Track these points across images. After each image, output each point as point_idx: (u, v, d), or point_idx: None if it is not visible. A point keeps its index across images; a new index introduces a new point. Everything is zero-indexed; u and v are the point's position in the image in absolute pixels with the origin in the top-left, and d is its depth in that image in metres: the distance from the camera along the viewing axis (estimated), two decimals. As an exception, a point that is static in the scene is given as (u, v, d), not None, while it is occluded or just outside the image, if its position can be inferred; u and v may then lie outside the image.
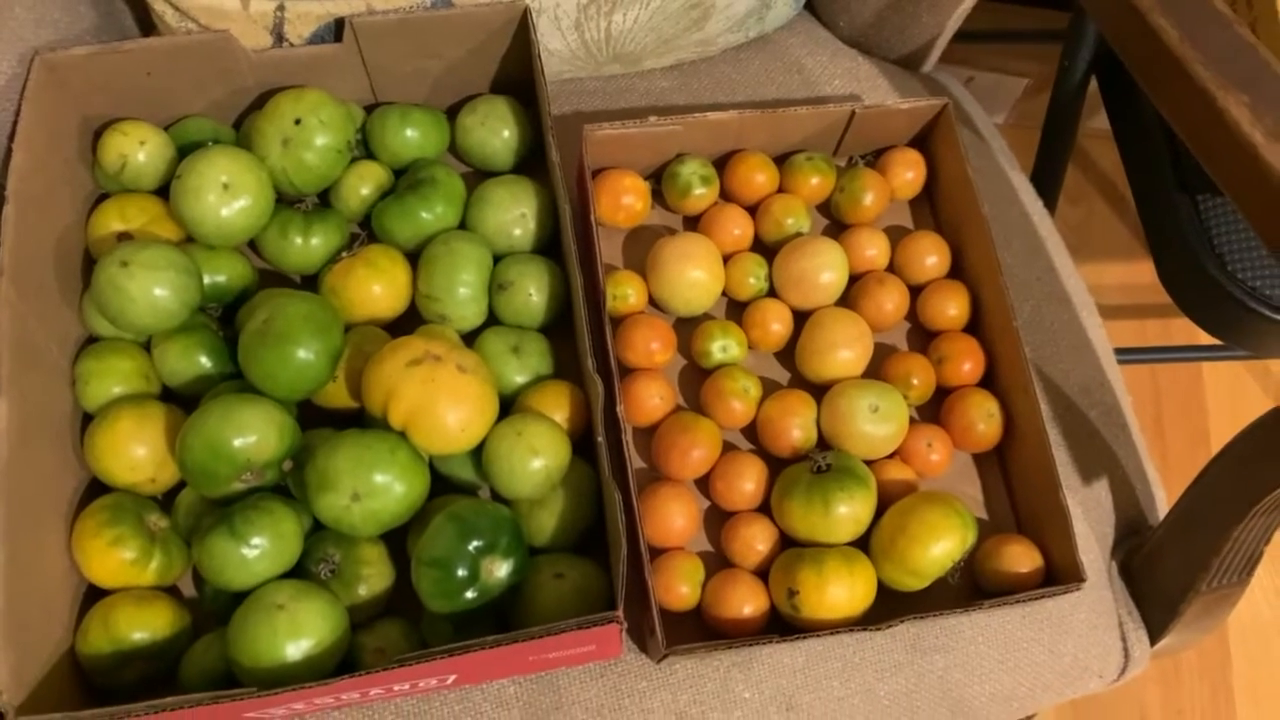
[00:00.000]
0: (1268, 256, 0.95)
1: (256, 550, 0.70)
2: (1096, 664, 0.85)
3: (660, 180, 0.93)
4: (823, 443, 0.83)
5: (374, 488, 0.70)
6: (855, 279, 0.90)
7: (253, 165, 0.81)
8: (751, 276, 0.88)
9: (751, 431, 0.85)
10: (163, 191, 0.84)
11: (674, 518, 0.79)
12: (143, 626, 0.72)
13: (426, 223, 0.85)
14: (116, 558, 0.72)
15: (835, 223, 0.95)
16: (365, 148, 0.90)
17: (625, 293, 0.86)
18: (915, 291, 0.91)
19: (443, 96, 0.93)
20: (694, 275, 0.85)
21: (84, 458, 0.77)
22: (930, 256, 0.90)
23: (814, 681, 0.79)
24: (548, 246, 0.87)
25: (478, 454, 0.77)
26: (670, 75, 1.01)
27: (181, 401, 0.79)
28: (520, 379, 0.81)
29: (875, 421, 0.80)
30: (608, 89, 1.00)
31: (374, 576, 0.74)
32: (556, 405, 0.79)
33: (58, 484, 0.75)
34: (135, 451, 0.75)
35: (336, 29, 0.85)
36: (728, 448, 0.84)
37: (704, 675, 0.78)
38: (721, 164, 0.93)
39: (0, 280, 0.72)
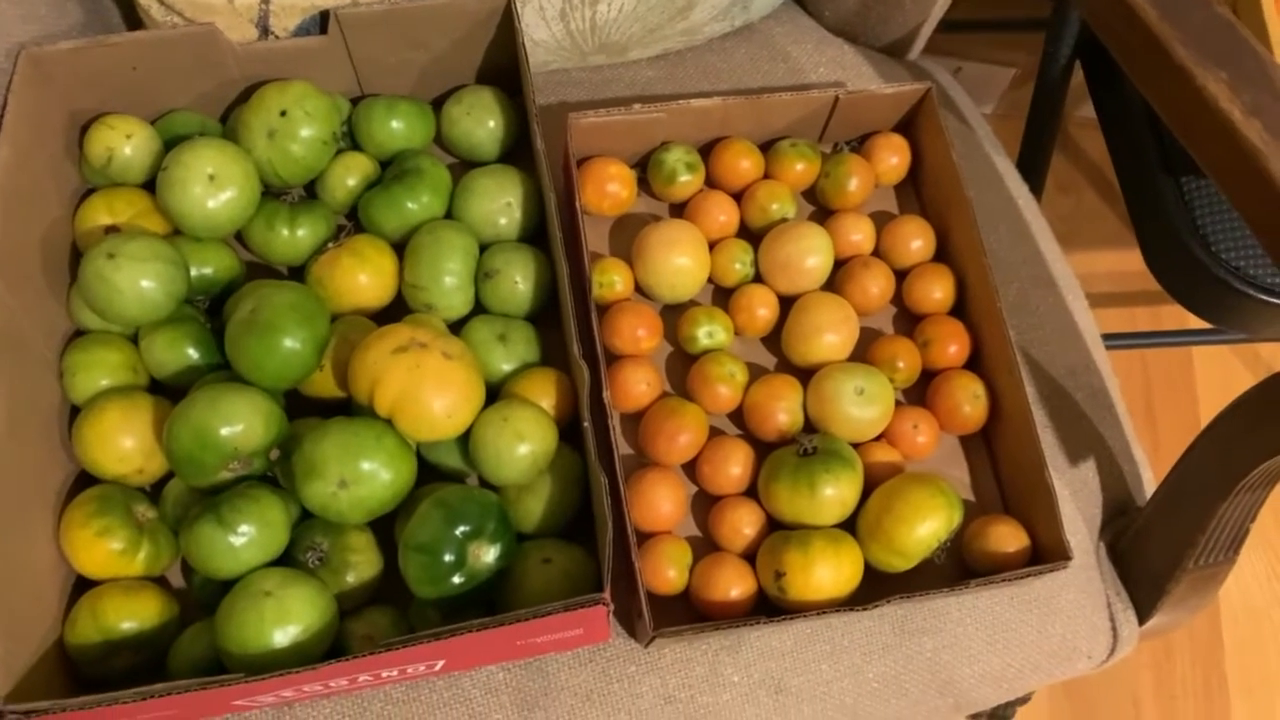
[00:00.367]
0: (1251, 237, 0.95)
1: (244, 538, 0.70)
2: (1085, 644, 0.85)
3: (646, 168, 0.93)
4: (809, 426, 0.84)
5: (361, 475, 0.71)
6: (841, 264, 0.90)
7: (238, 157, 0.81)
8: (737, 262, 0.88)
9: (738, 416, 0.86)
10: (150, 185, 0.85)
11: (661, 502, 0.79)
12: (131, 616, 0.72)
13: (412, 213, 0.85)
14: (104, 548, 0.73)
15: (820, 208, 0.95)
16: (351, 139, 0.91)
17: (611, 280, 0.86)
18: (900, 275, 0.91)
19: (428, 87, 0.94)
20: (680, 262, 0.85)
21: (72, 450, 0.77)
22: (915, 240, 0.90)
23: (803, 664, 0.79)
24: (533, 235, 0.88)
25: (465, 442, 0.77)
26: (656, 65, 1.01)
27: (169, 393, 0.79)
28: (507, 367, 0.82)
29: (861, 404, 0.81)
30: (593, 79, 1.00)
31: (362, 564, 0.75)
32: (543, 392, 0.79)
33: (45, 476, 0.76)
34: (123, 443, 0.75)
35: (322, 21, 0.85)
36: (714, 432, 0.84)
37: (693, 659, 0.78)
38: (706, 151, 0.93)
39: (-13, 274, 0.72)
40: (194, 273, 0.82)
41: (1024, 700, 1.13)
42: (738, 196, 0.92)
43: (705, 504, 0.83)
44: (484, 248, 0.86)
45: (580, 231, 0.83)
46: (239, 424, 0.71)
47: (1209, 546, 0.76)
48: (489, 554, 0.71)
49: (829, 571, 0.74)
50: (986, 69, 1.57)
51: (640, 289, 0.89)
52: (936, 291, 0.88)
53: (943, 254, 0.92)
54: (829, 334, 0.84)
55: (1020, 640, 0.83)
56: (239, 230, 0.85)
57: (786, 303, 0.88)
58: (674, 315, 0.88)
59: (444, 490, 0.72)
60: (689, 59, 1.02)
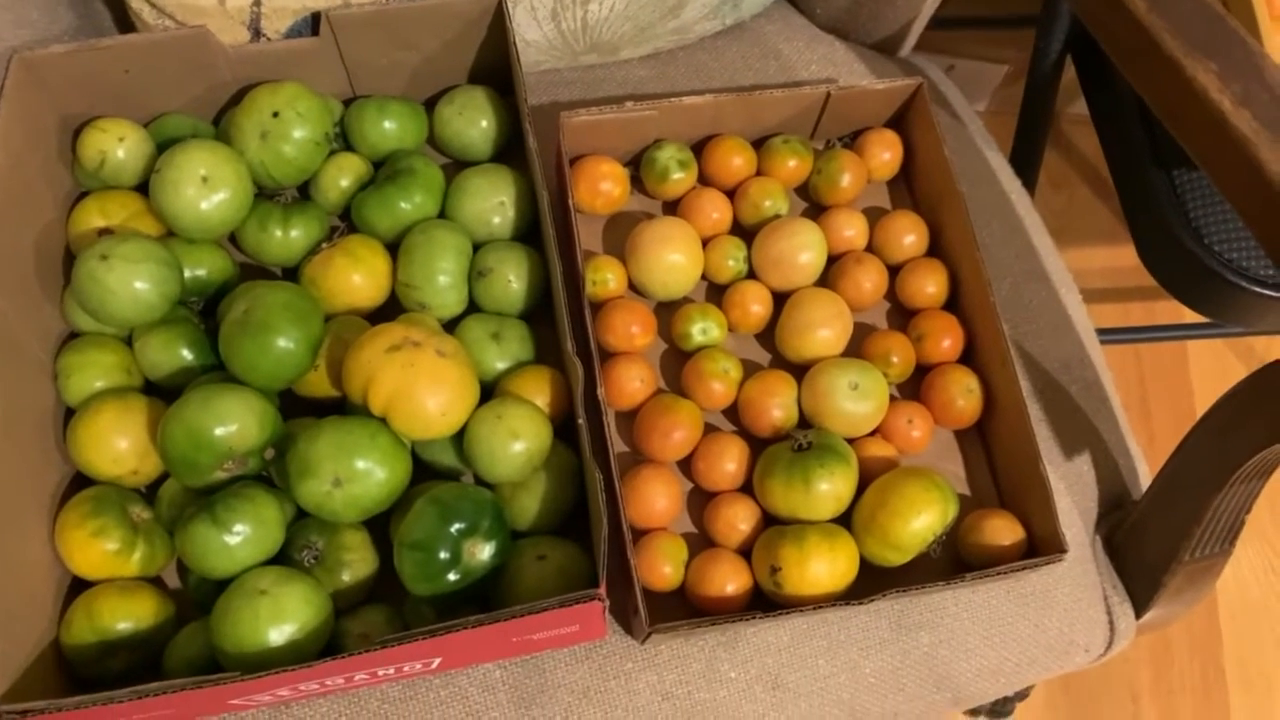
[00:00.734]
0: (1244, 229, 0.96)
1: (239, 537, 0.70)
2: (1082, 638, 0.85)
3: (638, 166, 0.93)
4: (804, 422, 0.84)
5: (355, 473, 0.71)
6: (834, 259, 0.90)
7: (231, 158, 0.81)
8: (730, 259, 0.88)
9: (732, 412, 0.86)
10: (143, 188, 0.85)
11: (656, 499, 0.79)
12: (127, 616, 0.72)
13: (405, 213, 0.85)
14: (99, 549, 0.73)
15: (813, 204, 0.95)
16: (344, 140, 0.91)
17: (605, 278, 0.86)
18: (894, 271, 0.91)
19: (420, 88, 0.94)
20: (673, 259, 0.86)
21: (66, 452, 0.77)
22: (908, 236, 0.90)
23: (799, 660, 0.79)
24: (527, 234, 0.88)
25: (460, 440, 0.77)
26: (647, 64, 1.02)
27: (163, 394, 0.79)
28: (501, 365, 0.82)
29: (855, 399, 0.81)
30: (585, 79, 1.00)
31: (357, 562, 0.75)
32: (537, 390, 0.79)
33: (40, 478, 0.76)
34: (117, 444, 0.75)
35: (313, 23, 0.85)
36: (709, 429, 0.84)
37: (689, 655, 0.78)
38: (699, 149, 0.93)
39: (-20, 277, 0.72)
40: (188, 274, 0.82)
41: (1023, 695, 1.14)
42: (730, 193, 0.92)
43: (700, 500, 0.83)
44: (477, 247, 0.86)
45: (573, 230, 0.83)
46: (233, 424, 0.71)
47: (1205, 538, 0.76)
48: (484, 551, 0.71)
49: (824, 566, 0.74)
50: (978, 66, 1.58)
51: (634, 286, 0.89)
52: (930, 286, 0.88)
53: (936, 249, 0.92)
54: (823, 329, 0.84)
55: (1017, 634, 0.83)
56: (232, 231, 0.85)
57: (780, 299, 0.88)
58: (668, 312, 0.88)
59: (439, 488, 0.72)
60: (680, 58, 1.02)
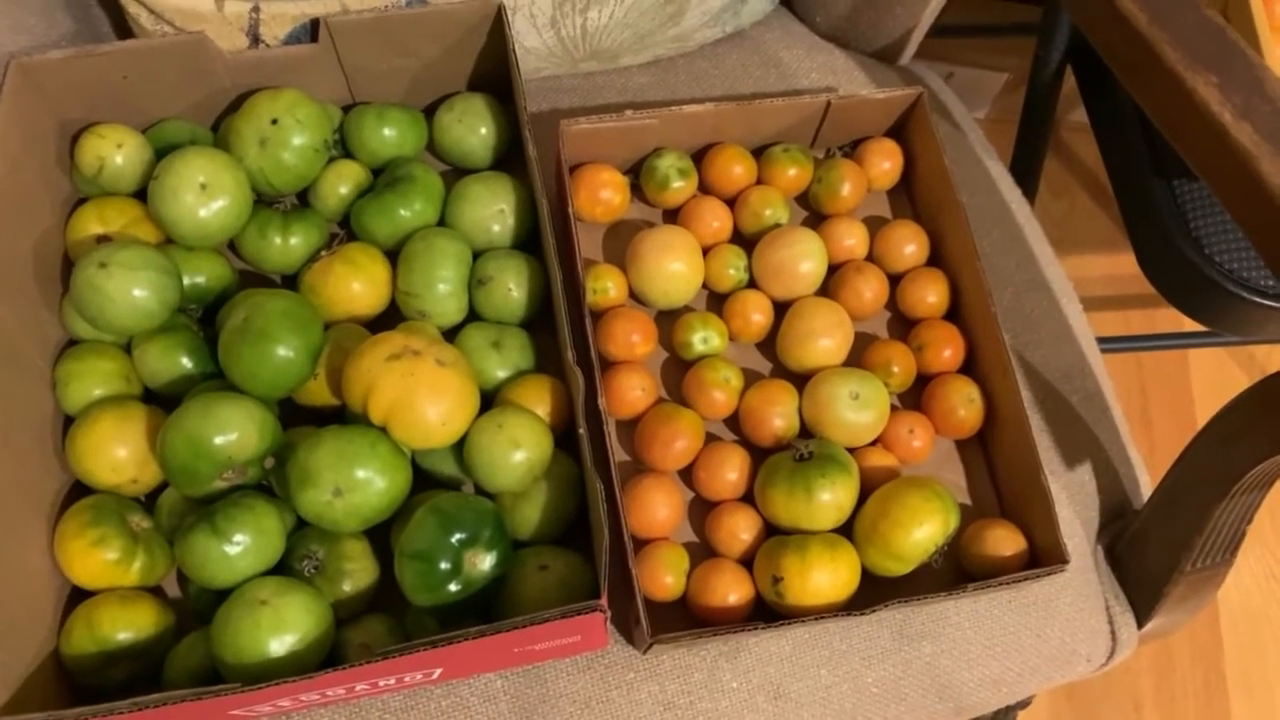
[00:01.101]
0: (1244, 239, 0.96)
1: (239, 547, 0.70)
2: (1084, 648, 0.85)
3: (638, 174, 0.93)
4: (805, 431, 0.83)
5: (355, 483, 0.70)
6: (834, 269, 0.90)
7: (230, 165, 0.81)
8: (731, 268, 0.88)
9: (734, 422, 0.86)
10: (141, 194, 0.84)
11: (657, 508, 0.79)
12: (127, 626, 0.71)
13: (405, 220, 0.85)
14: (99, 558, 0.72)
15: (814, 214, 0.95)
16: (343, 147, 0.91)
17: (605, 286, 0.86)
18: (894, 280, 0.91)
19: (420, 95, 0.93)
20: (674, 268, 0.85)
21: (65, 460, 0.77)
22: (909, 245, 0.90)
23: (801, 670, 0.79)
24: (527, 242, 0.88)
25: (460, 449, 0.77)
26: (647, 72, 1.01)
27: (162, 402, 0.79)
28: (501, 374, 0.81)
29: (856, 409, 0.80)
30: (585, 86, 1.00)
31: (358, 572, 0.74)
32: (538, 399, 0.79)
33: (39, 486, 0.75)
34: (117, 452, 0.75)
35: (312, 29, 0.85)
36: (710, 438, 0.84)
37: (691, 665, 0.78)
38: (699, 157, 0.93)
39: (-22, 284, 0.72)
40: (187, 281, 0.81)
41: (1025, 704, 1.13)
42: (731, 202, 0.92)
43: (702, 510, 0.83)
44: (477, 255, 0.85)
45: (573, 238, 0.83)
46: (233, 433, 0.71)
47: (1206, 549, 0.76)
48: (485, 561, 0.71)
49: (826, 576, 0.74)
50: (978, 74, 1.58)
51: (634, 295, 0.89)
52: (930, 296, 0.88)
53: (936, 258, 0.92)
54: (823, 339, 0.84)
55: (1019, 644, 0.83)
56: (231, 239, 0.85)
57: (781, 308, 0.88)
58: (668, 321, 0.88)
59: (439, 498, 0.72)
60: (680, 65, 1.02)
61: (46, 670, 0.71)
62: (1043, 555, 0.79)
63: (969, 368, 0.88)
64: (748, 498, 0.82)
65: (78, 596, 0.74)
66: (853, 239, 0.90)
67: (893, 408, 0.86)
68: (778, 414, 0.82)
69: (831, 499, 0.76)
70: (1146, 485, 0.90)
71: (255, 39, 0.85)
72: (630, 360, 0.85)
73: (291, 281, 0.88)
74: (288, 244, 0.84)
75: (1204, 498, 0.73)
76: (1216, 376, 1.56)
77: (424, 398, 0.71)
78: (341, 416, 0.80)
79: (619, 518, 0.74)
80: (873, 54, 1.06)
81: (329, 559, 0.74)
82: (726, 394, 0.83)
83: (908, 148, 0.95)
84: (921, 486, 0.76)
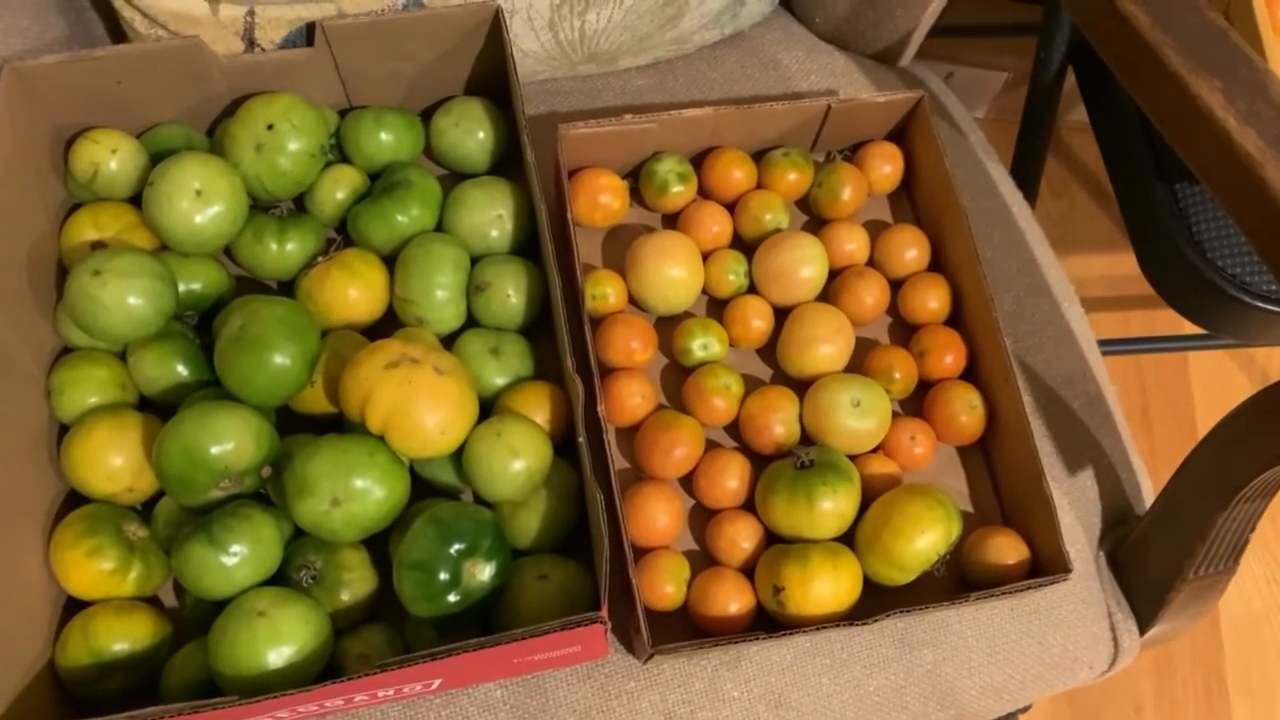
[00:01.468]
0: (1247, 243, 0.95)
1: (236, 558, 0.69)
2: (1086, 655, 0.84)
3: (637, 179, 0.92)
4: (805, 438, 0.83)
5: (353, 492, 0.70)
6: (835, 274, 0.89)
7: (226, 171, 0.80)
8: (731, 273, 0.87)
9: (734, 429, 0.85)
10: (136, 200, 0.84)
11: (657, 516, 0.78)
12: (123, 637, 0.71)
13: (402, 226, 0.84)
14: (95, 568, 0.72)
15: (814, 218, 0.94)
16: (340, 152, 0.90)
17: (604, 292, 0.86)
18: (895, 285, 0.90)
19: (417, 99, 0.93)
20: (673, 273, 0.85)
21: (60, 469, 0.76)
22: (910, 250, 0.89)
23: (803, 678, 0.79)
24: (525, 247, 0.87)
25: (459, 458, 0.76)
26: (646, 74, 1.01)
27: (158, 410, 0.78)
28: (500, 381, 0.81)
29: (857, 416, 0.80)
30: (584, 89, 0.99)
31: (356, 582, 0.74)
32: (537, 406, 0.78)
33: (34, 495, 0.75)
34: (112, 461, 0.74)
35: (308, 33, 0.84)
36: (710, 445, 0.84)
37: (692, 674, 0.78)
38: (698, 161, 0.93)
39: (-29, 291, 0.71)
40: (182, 288, 0.81)
41: (1025, 708, 1.13)
42: (730, 207, 0.92)
43: (702, 518, 0.82)
44: (475, 260, 0.85)
45: (572, 243, 0.82)
46: (229, 442, 0.70)
47: (1209, 556, 0.76)
48: (484, 571, 0.70)
49: (828, 585, 0.73)
50: (978, 74, 1.57)
51: (634, 301, 0.88)
52: (932, 301, 0.87)
53: (938, 263, 0.91)
54: (824, 345, 0.83)
55: (1021, 652, 0.82)
56: (227, 245, 0.84)
57: (781, 314, 0.88)
58: (668, 327, 0.87)
59: (438, 507, 0.72)
60: (679, 68, 1.01)
61: (42, 682, 0.70)
62: (1045, 563, 0.78)
63: (970, 373, 0.87)
64: (748, 506, 0.81)
65: (73, 607, 0.74)
66: (853, 244, 0.89)
67: (894, 414, 0.86)
68: (778, 421, 0.81)
69: (833, 507, 0.76)
70: (1148, 491, 0.90)
71: (250, 43, 0.84)
72: (630, 367, 0.84)
73: (288, 288, 0.87)
74: (284, 250, 0.83)
75: (1207, 505, 0.73)
76: (1217, 379, 1.56)
77: (422, 406, 0.71)
78: (339, 425, 0.79)
79: (619, 526, 0.73)
80: (873, 55, 1.05)
81: (327, 569, 0.73)
82: (727, 401, 0.82)
83: (909, 151, 0.94)
84: (923, 494, 0.76)
